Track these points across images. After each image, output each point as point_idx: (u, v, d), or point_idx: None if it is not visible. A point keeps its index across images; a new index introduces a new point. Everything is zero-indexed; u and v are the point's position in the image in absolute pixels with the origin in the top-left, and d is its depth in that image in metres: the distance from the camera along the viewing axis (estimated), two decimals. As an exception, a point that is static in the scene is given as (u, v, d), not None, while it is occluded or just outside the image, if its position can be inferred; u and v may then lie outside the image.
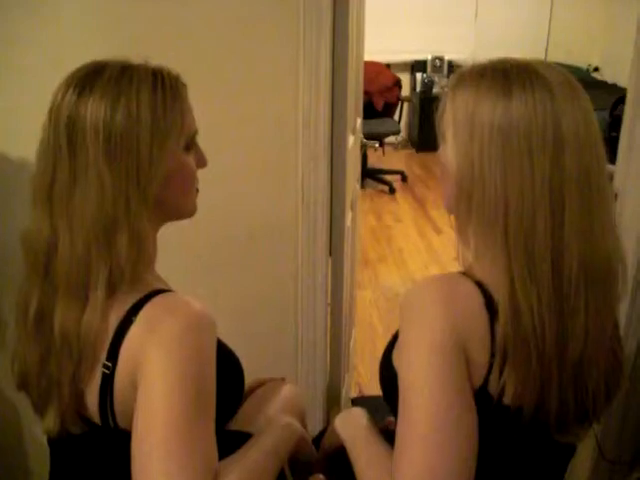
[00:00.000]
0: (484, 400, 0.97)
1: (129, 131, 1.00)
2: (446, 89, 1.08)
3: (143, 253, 1.04)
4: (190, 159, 1.11)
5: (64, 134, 1.01)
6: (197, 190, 1.18)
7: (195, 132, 1.13)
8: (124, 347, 0.98)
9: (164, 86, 1.05)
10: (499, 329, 0.96)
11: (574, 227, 0.97)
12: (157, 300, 1.02)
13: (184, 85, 1.11)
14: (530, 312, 0.96)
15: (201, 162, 1.17)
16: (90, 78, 1.03)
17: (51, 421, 1.06)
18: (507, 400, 0.98)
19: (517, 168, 0.96)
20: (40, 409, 1.09)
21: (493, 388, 0.97)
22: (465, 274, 1.03)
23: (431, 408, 0.91)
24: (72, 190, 1.01)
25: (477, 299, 0.99)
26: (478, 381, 0.97)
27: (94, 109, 1.00)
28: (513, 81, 0.98)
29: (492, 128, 0.97)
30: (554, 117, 0.96)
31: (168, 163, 1.05)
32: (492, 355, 0.97)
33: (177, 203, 1.13)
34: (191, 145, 1.12)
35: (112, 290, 1.02)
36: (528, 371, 0.96)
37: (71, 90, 1.02)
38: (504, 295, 0.96)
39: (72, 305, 1.02)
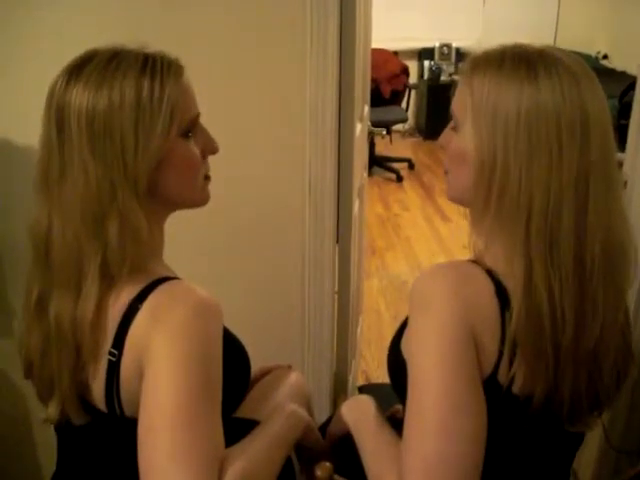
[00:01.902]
0: (493, 389, 0.97)
1: (111, 117, 0.99)
2: (459, 75, 1.07)
3: (138, 242, 1.02)
4: (188, 146, 1.08)
5: (54, 122, 1.02)
6: (207, 177, 1.15)
7: (194, 117, 1.09)
8: (130, 334, 0.98)
9: (154, 70, 1.02)
10: (512, 318, 0.95)
11: (596, 213, 0.97)
12: (163, 287, 1.01)
13: (180, 68, 1.07)
14: (550, 302, 0.95)
15: (209, 148, 1.13)
16: (79, 66, 1.03)
17: (54, 410, 1.07)
18: (516, 389, 0.98)
19: (545, 154, 0.95)
20: (43, 398, 1.10)
21: (502, 377, 0.97)
22: (475, 262, 1.03)
23: (440, 394, 0.91)
24: (62, 178, 1.01)
25: (487, 287, 0.98)
26: (487, 369, 0.97)
27: (78, 96, 1.00)
28: (538, 66, 0.97)
29: (519, 114, 0.95)
30: (581, 103, 0.96)
31: (159, 150, 1.02)
32: (502, 343, 0.96)
33: (179, 192, 1.10)
34: (191, 131, 1.08)
35: (108, 280, 1.01)
36: (540, 361, 0.96)
37: (61, 79, 1.02)
38: (521, 284, 0.96)
39: (66, 295, 1.03)
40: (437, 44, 6.96)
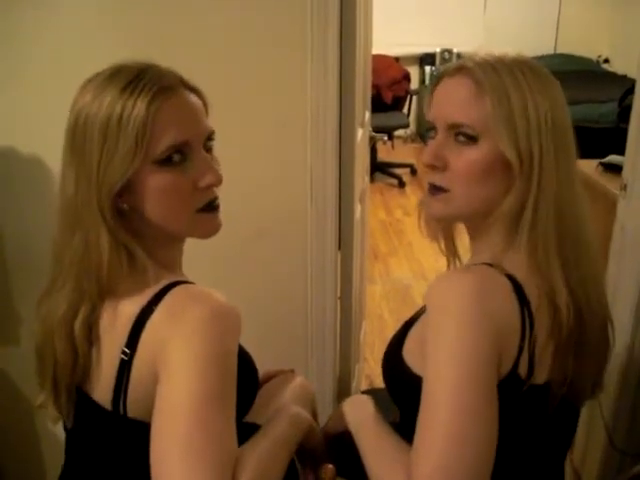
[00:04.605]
0: (514, 383, 0.99)
1: (85, 131, 0.99)
2: (454, 86, 1.08)
3: (100, 263, 1.01)
4: (163, 176, 1.01)
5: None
6: (205, 209, 1.08)
7: (177, 144, 1.01)
8: (145, 334, 0.98)
9: (133, 89, 0.98)
10: (555, 320, 1.00)
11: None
12: (179, 290, 1.01)
13: (170, 90, 1.02)
14: (586, 297, 1.03)
15: (204, 180, 1.05)
16: (95, 76, 1.04)
17: (43, 398, 1.11)
18: (538, 380, 1.01)
19: (566, 153, 1.04)
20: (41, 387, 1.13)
21: (522, 371, 0.99)
22: (490, 265, 1.04)
23: (457, 402, 0.91)
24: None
25: (507, 288, 1.00)
26: (508, 366, 0.98)
27: (76, 105, 1.02)
28: (543, 74, 1.06)
29: (547, 119, 1.01)
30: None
31: (122, 175, 0.98)
32: (522, 339, 0.98)
33: (162, 222, 1.05)
34: (175, 159, 1.02)
35: (82, 290, 1.03)
36: (569, 353, 1.02)
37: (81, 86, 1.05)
38: (563, 285, 1.01)
39: (52, 295, 1.07)
40: (438, 50, 6.96)
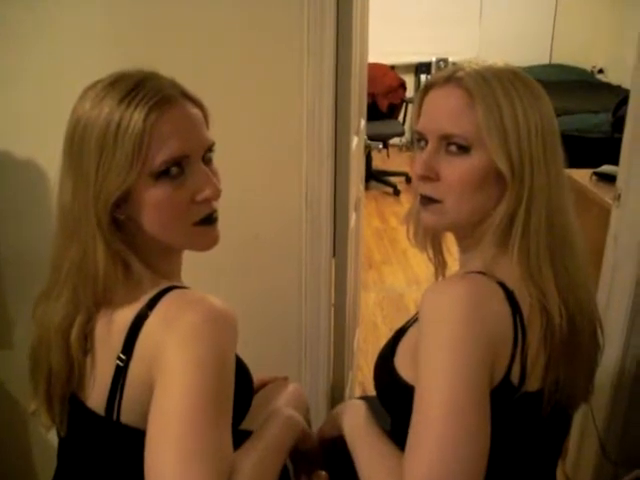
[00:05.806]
0: (507, 390, 0.99)
1: (83, 140, 0.98)
2: (445, 98, 1.08)
3: (94, 274, 1.00)
4: (159, 189, 1.00)
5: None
6: (204, 222, 1.07)
7: (175, 158, 1.00)
8: (140, 340, 0.97)
9: (132, 100, 0.97)
10: (547, 330, 1.01)
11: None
12: (173, 294, 1.01)
13: (169, 102, 1.00)
14: (573, 299, 1.04)
15: (202, 194, 1.04)
16: (92, 86, 1.04)
17: (34, 407, 1.11)
18: (530, 387, 1.01)
19: (555, 163, 1.05)
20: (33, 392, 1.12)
21: (515, 378, 0.99)
22: (482, 273, 1.04)
23: (449, 409, 0.91)
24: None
25: (500, 295, 1.00)
26: (501, 373, 0.98)
27: (74, 112, 1.02)
28: (530, 83, 1.06)
29: (537, 128, 1.02)
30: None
31: (119, 186, 0.97)
32: (514, 347, 0.98)
33: (161, 234, 1.05)
34: (171, 173, 1.01)
35: (78, 300, 1.03)
36: (562, 358, 1.02)
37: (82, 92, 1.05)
38: (554, 293, 1.01)
39: (48, 301, 1.07)
40: (434, 59, 6.98)
